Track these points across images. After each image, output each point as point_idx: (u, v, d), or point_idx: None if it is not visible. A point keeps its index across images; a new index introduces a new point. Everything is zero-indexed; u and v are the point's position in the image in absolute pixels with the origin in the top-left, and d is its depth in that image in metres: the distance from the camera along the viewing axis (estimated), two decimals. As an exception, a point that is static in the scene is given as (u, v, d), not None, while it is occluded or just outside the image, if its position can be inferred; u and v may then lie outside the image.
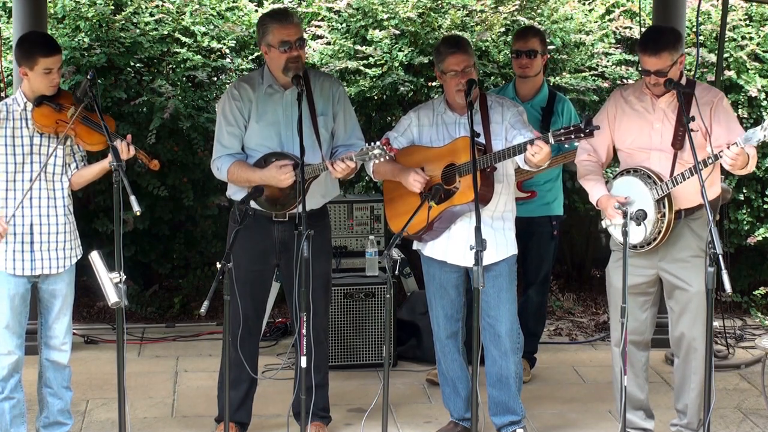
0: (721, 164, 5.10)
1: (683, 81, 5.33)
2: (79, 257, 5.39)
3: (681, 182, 5.14)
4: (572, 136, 4.92)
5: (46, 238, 5.25)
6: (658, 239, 5.28)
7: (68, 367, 5.42)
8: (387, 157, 5.18)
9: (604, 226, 5.38)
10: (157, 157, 7.63)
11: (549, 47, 7.92)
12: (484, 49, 8.00)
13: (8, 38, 7.47)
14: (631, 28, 8.46)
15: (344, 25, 8.14)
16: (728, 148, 4.99)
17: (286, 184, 5.35)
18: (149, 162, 5.36)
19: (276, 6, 7.90)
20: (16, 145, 5.21)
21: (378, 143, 5.13)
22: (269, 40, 5.42)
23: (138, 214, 4.76)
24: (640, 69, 5.32)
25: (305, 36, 5.54)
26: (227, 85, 7.73)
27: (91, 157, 5.45)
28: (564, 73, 8.15)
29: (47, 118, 5.18)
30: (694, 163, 5.05)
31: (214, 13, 8.02)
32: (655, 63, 5.22)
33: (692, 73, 7.58)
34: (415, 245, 5.65)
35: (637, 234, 5.27)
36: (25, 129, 5.22)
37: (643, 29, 7.96)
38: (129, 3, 7.77)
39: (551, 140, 4.96)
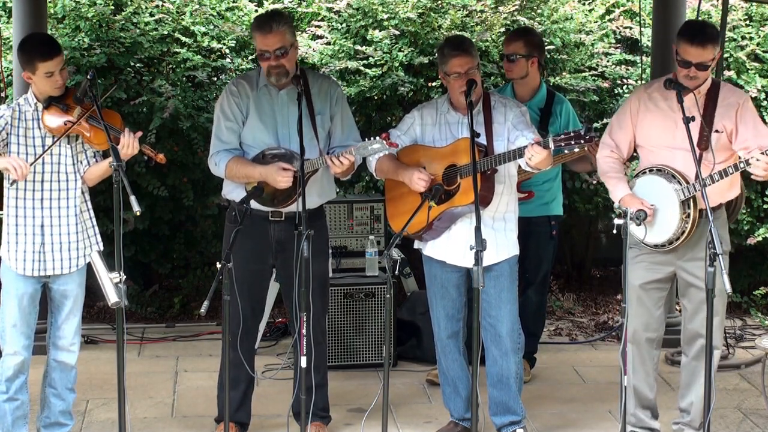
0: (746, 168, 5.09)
1: (708, 80, 5.32)
2: (90, 257, 5.33)
3: (710, 184, 5.11)
4: (572, 142, 4.91)
5: (57, 239, 5.23)
6: (681, 239, 5.27)
7: (75, 369, 5.40)
8: (386, 152, 5.18)
9: (616, 224, 5.35)
10: (157, 157, 7.67)
11: (549, 47, 7.94)
12: (484, 49, 8.00)
13: (8, 38, 7.47)
14: (631, 28, 8.46)
15: (344, 25, 8.14)
16: (763, 153, 4.98)
17: (282, 187, 5.35)
18: (155, 156, 5.34)
19: (271, 7, 7.92)
20: (29, 145, 5.20)
21: (377, 138, 5.13)
22: (255, 45, 5.45)
23: (138, 214, 4.76)
24: (678, 59, 5.26)
25: (305, 37, 5.52)
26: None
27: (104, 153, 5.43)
28: (564, 73, 8.15)
29: (55, 119, 5.18)
30: (722, 165, 5.09)
31: (214, 13, 8.02)
32: (701, 54, 5.19)
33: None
34: (416, 244, 5.65)
35: (661, 234, 5.27)
36: (37, 130, 5.21)
37: (644, 29, 7.98)
38: (129, 3, 7.77)
39: (551, 145, 4.95)
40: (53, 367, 5.37)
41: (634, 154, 5.60)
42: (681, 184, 5.23)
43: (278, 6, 8.01)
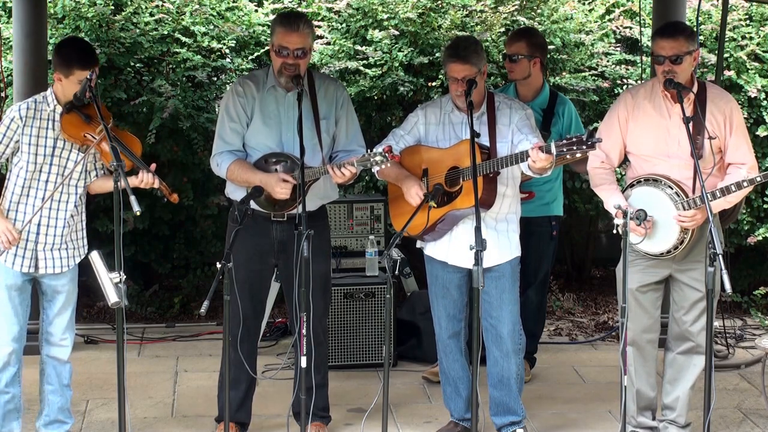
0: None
1: (695, 84, 5.30)
2: (83, 257, 5.40)
3: (711, 200, 5.04)
4: (574, 148, 4.89)
5: (51, 239, 5.26)
6: (680, 248, 5.25)
7: (68, 364, 5.43)
8: (388, 165, 5.18)
9: (616, 224, 5.33)
10: (157, 157, 7.66)
11: (549, 47, 7.93)
12: (484, 49, 7.99)
13: (8, 38, 7.46)
14: (631, 28, 8.46)
15: (344, 25, 8.14)
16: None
17: (279, 197, 5.35)
18: (170, 195, 5.34)
19: (272, 7, 7.93)
20: (40, 145, 5.21)
21: (380, 150, 5.13)
22: (273, 40, 5.45)
23: (138, 214, 4.76)
24: (653, 56, 5.24)
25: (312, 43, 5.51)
26: (227, 85, 7.73)
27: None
28: (564, 73, 8.15)
29: (76, 128, 5.18)
30: (714, 175, 5.10)
31: (214, 13, 8.02)
32: (672, 47, 5.17)
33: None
34: (419, 244, 5.66)
35: (660, 244, 5.26)
36: (51, 131, 5.22)
37: (644, 29, 7.98)
38: (129, 3, 7.77)
39: (553, 150, 4.93)
40: (47, 363, 5.40)
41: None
42: (679, 196, 5.20)
43: (278, 6, 8.01)
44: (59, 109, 5.22)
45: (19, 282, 5.26)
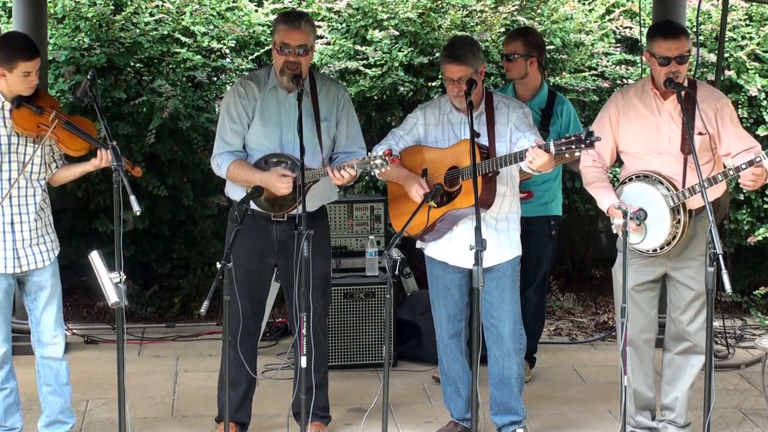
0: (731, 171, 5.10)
1: (685, 81, 5.32)
2: (58, 249, 5.42)
3: (697, 192, 5.07)
4: (573, 146, 4.89)
5: (27, 235, 5.27)
6: (673, 243, 5.26)
7: (64, 361, 5.44)
8: (388, 168, 5.18)
9: (615, 231, 5.34)
10: (157, 157, 7.66)
11: (549, 47, 7.93)
12: (484, 49, 8.00)
13: (8, 38, 7.46)
14: (631, 28, 8.46)
15: (344, 25, 8.14)
16: (749, 164, 4.98)
17: (282, 193, 5.35)
18: (132, 169, 5.35)
19: (288, 7, 7.94)
20: None
21: (380, 153, 5.13)
22: (275, 38, 5.46)
23: (138, 214, 4.76)
24: (657, 60, 5.23)
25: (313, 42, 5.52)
26: (227, 85, 7.73)
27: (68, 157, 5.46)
28: (564, 73, 8.15)
29: (28, 121, 5.19)
30: (705, 167, 5.07)
31: (214, 13, 8.02)
32: (677, 47, 5.19)
33: (692, 73, 7.58)
34: (418, 244, 5.66)
35: (652, 240, 5.27)
36: (2, 128, 5.22)
37: (644, 29, 7.98)
38: (129, 3, 7.77)
39: (552, 150, 4.93)
40: (43, 365, 5.41)
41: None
42: (669, 191, 5.21)
43: (278, 6, 8.02)
44: (8, 105, 5.21)
45: (5, 285, 5.28)
